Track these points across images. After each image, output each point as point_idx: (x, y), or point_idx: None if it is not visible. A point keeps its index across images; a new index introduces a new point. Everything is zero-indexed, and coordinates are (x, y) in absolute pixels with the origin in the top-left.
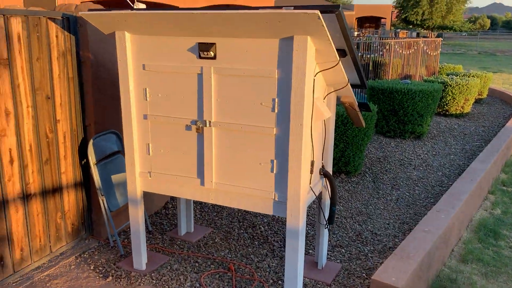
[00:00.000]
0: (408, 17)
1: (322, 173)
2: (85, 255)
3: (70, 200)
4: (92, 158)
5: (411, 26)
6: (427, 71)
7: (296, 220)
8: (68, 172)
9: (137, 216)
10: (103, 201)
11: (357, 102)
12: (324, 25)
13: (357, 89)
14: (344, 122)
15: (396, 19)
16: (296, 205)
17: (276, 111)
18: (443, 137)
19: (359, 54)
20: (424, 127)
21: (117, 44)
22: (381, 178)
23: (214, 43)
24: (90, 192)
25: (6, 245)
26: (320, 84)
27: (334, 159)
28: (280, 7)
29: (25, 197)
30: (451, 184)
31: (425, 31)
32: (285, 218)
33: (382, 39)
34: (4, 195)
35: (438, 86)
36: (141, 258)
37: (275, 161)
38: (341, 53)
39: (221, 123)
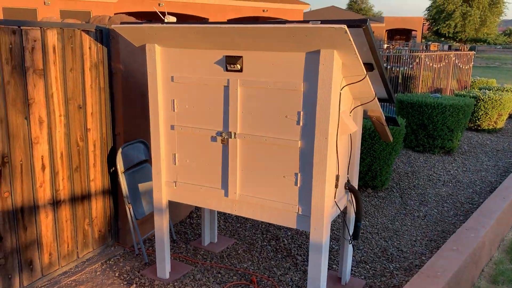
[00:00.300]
0: (440, 29)
1: (347, 187)
2: (110, 261)
3: (98, 207)
4: (120, 166)
5: (443, 39)
6: (459, 85)
7: (320, 234)
8: (96, 179)
9: (162, 225)
10: (129, 209)
11: (385, 116)
12: (351, 39)
13: (386, 103)
14: (371, 136)
15: (428, 32)
16: (320, 219)
17: (301, 124)
18: (475, 153)
19: (388, 67)
20: (454, 142)
21: (147, 56)
22: (409, 193)
23: (241, 56)
24: (117, 200)
25: (36, 249)
26: (347, 98)
27: (360, 173)
28: (307, 21)
29: (55, 203)
30: (482, 202)
31: (457, 44)
32: (309, 232)
33: (412, 52)
34: (35, 201)
35: (470, 100)
36: (164, 266)
37: (299, 174)
38: (368, 67)
39: (246, 135)
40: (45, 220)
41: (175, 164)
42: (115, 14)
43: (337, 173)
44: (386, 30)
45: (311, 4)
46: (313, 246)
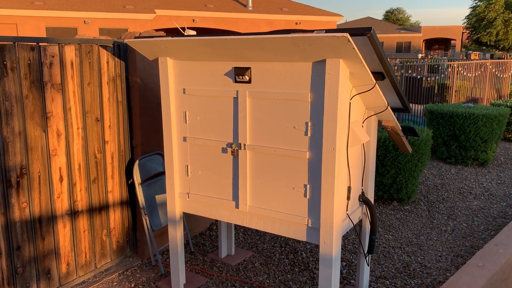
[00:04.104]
0: (481, 38)
1: (361, 199)
2: (127, 272)
3: (116, 218)
4: (137, 178)
5: (484, 48)
6: (497, 94)
7: (329, 247)
8: (114, 191)
9: (175, 237)
10: (146, 220)
11: (403, 126)
12: (355, 48)
13: (419, 114)
14: (395, 147)
15: (467, 40)
16: (329, 232)
17: (309, 135)
18: (511, 164)
19: (424, 77)
20: (488, 154)
21: (160, 69)
22: (437, 207)
23: (249, 68)
24: (135, 211)
25: (54, 259)
26: (358, 108)
27: (385, 185)
28: (312, 31)
29: (73, 214)
30: None
31: (499, 52)
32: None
33: (451, 61)
34: (53, 211)
35: (505, 110)
36: (179, 278)
37: (308, 186)
38: (379, 76)
39: (255, 146)
40: (63, 230)
41: (187, 175)
42: (144, 31)
43: (348, 185)
44: (424, 40)
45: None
46: (323, 260)
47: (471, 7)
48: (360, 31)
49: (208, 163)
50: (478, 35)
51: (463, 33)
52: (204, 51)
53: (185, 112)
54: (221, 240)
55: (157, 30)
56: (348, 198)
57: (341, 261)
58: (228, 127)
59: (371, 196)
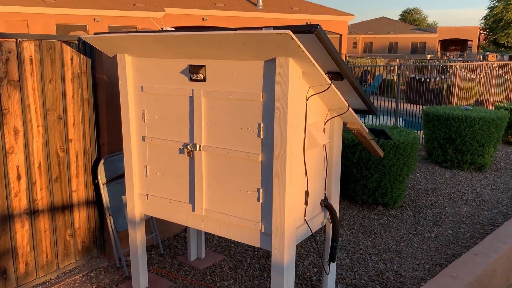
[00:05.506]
0: (498, 39)
1: (323, 204)
2: (92, 273)
3: (81, 218)
4: (102, 178)
5: (502, 49)
6: (506, 97)
7: (281, 255)
8: (79, 190)
9: (135, 239)
10: (110, 221)
11: (374, 129)
12: (301, 46)
13: (418, 116)
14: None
15: (485, 41)
16: (281, 238)
17: (261, 136)
18: (511, 170)
19: (433, 78)
20: (485, 158)
21: (118, 66)
22: (424, 212)
23: (204, 65)
24: (102, 211)
25: (10, 258)
26: (319, 109)
27: (369, 189)
28: (260, 28)
29: (32, 213)
30: None
31: None
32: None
33: (451, 63)
34: (9, 210)
35: (503, 113)
36: (139, 281)
37: (261, 189)
38: (338, 76)
39: (210, 147)
40: (21, 230)
41: (147, 176)
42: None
43: (306, 189)
44: (439, 41)
45: (362, 17)
46: (275, 267)
47: (488, 8)
48: (307, 28)
49: (166, 164)
50: (496, 36)
51: (480, 34)
52: (159, 47)
53: (144, 110)
54: (190, 243)
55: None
56: (306, 203)
57: (313, 267)
58: (185, 127)
59: (335, 201)
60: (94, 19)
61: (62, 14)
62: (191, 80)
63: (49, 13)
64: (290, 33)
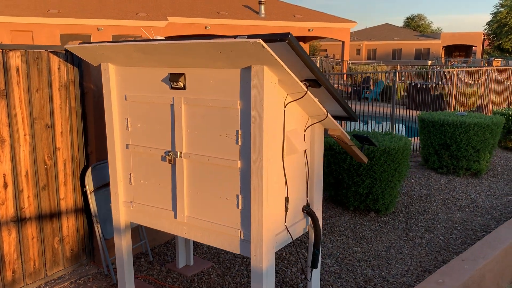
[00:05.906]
0: (502, 44)
1: (305, 211)
2: (80, 281)
3: (70, 226)
4: (89, 185)
5: (507, 54)
6: (507, 102)
7: (259, 262)
8: (68, 198)
9: (121, 247)
10: (98, 228)
11: (357, 135)
12: (273, 54)
13: (416, 122)
14: (370, 156)
15: (489, 47)
16: (259, 245)
17: (239, 143)
18: (508, 175)
19: (433, 83)
20: (481, 164)
21: (102, 75)
22: (416, 218)
23: (183, 74)
24: (91, 219)
25: None
26: (298, 116)
27: (360, 195)
28: (235, 37)
29: (19, 221)
30: None
31: None
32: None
33: (470, 68)
34: None
35: (498, 118)
36: None
37: (240, 196)
38: (315, 83)
39: (191, 155)
40: (8, 238)
41: (131, 184)
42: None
43: (286, 195)
44: (443, 47)
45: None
46: (254, 274)
47: (492, 13)
48: (278, 36)
49: (149, 172)
50: (500, 42)
51: (484, 39)
52: (140, 57)
53: (127, 118)
54: (178, 250)
55: (169, 37)
56: (286, 209)
57: (301, 274)
58: (167, 134)
59: (318, 207)
60: (98, 28)
61: (66, 24)
62: (172, 88)
63: (54, 23)
64: (261, 41)
